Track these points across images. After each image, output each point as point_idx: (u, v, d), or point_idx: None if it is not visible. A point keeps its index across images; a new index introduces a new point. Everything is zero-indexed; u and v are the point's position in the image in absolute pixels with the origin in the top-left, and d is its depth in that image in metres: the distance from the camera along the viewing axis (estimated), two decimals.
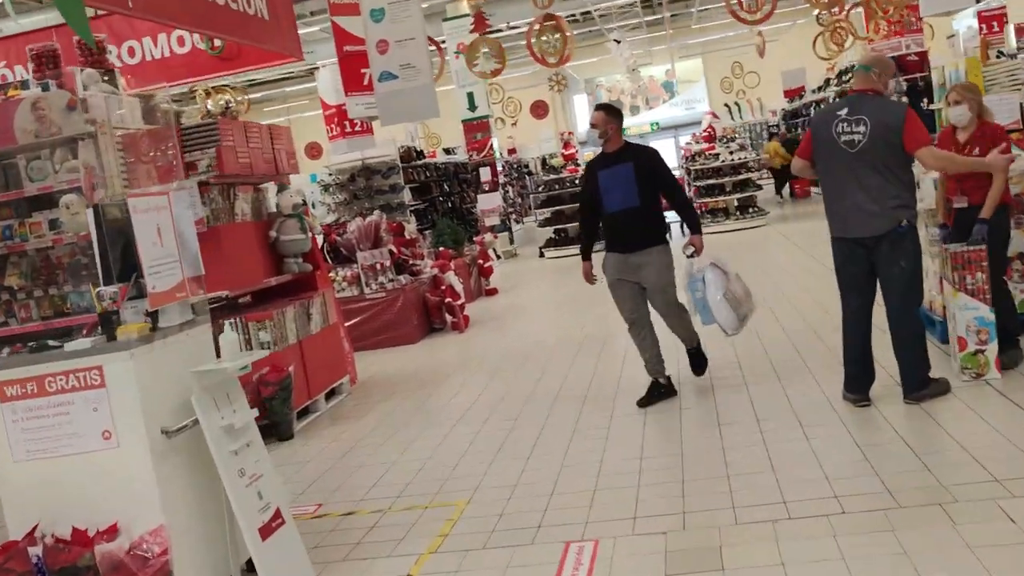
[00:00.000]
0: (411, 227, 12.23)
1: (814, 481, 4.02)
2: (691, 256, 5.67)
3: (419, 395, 7.09)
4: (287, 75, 26.53)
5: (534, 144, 30.01)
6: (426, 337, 9.58)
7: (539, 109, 26.45)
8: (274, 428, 6.15)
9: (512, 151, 29.57)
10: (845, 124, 4.71)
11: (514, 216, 27.30)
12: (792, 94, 25.15)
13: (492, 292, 12.28)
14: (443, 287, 9.70)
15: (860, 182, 4.67)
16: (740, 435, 4.79)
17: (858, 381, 4.95)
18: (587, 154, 20.01)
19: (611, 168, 5.59)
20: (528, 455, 5.13)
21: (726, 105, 29.68)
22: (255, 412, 3.72)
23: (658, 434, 5.08)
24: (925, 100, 14.54)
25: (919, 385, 4.76)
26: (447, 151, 21.60)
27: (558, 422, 5.66)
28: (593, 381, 6.61)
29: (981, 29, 18.36)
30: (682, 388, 5.89)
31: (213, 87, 16.01)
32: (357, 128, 15.94)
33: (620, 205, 5.52)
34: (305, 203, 7.18)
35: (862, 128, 4.62)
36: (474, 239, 12.63)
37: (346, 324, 9.04)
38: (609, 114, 5.59)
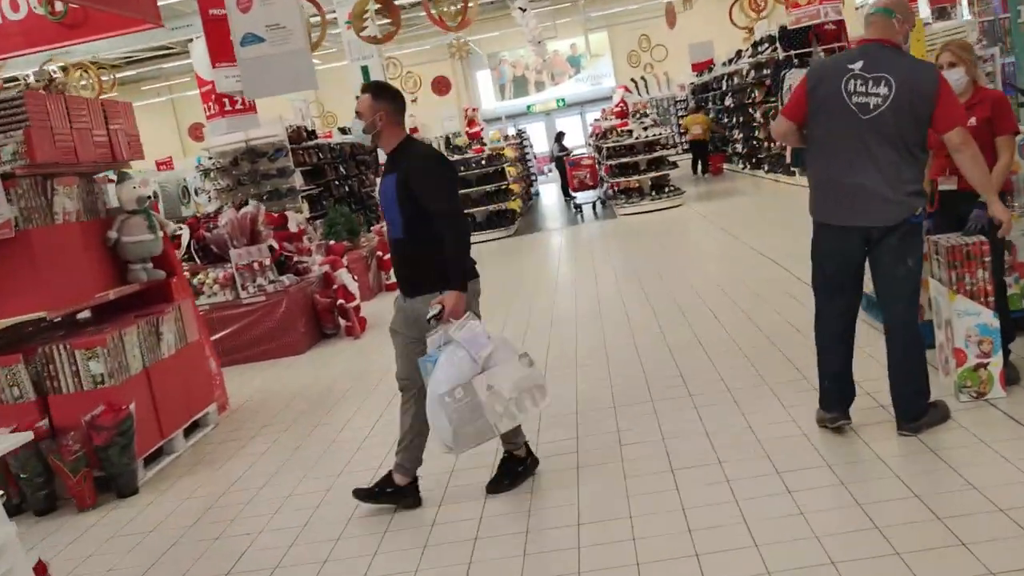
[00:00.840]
0: (300, 216, 10.89)
1: (802, 542, 3.06)
2: (433, 320, 3.75)
3: (304, 423, 5.89)
4: (165, 50, 24.48)
5: (437, 123, 28.73)
6: (316, 345, 8.34)
7: (441, 85, 25.16)
8: (112, 482, 4.87)
9: (414, 130, 28.17)
10: (859, 81, 3.73)
11: None
12: (700, 67, 24.56)
13: (393, 287, 11.03)
14: (334, 287, 8.47)
15: (872, 158, 3.70)
16: (701, 486, 3.78)
17: (837, 397, 4.02)
18: (494, 132, 18.91)
19: (383, 180, 4.13)
20: (439, 500, 4.05)
21: (632, 80, 28.96)
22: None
23: (595, 493, 3.97)
24: None
25: (918, 413, 3.84)
26: (343, 131, 20.13)
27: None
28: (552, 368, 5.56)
29: None
30: (620, 411, 4.87)
31: (73, 64, 14.21)
32: (238, 106, 14.40)
33: (390, 234, 4.09)
34: (154, 197, 5.83)
35: (883, 90, 3.65)
36: (371, 228, 11.36)
37: (220, 334, 7.78)
38: (377, 97, 3.97)
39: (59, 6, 8.48)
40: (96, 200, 5.64)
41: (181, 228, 8.10)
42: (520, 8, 16.04)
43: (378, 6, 7.57)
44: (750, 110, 17.02)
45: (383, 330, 8.94)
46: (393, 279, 11.45)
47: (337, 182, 17.28)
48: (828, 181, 3.86)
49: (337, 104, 26.86)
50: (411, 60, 26.98)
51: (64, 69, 13.80)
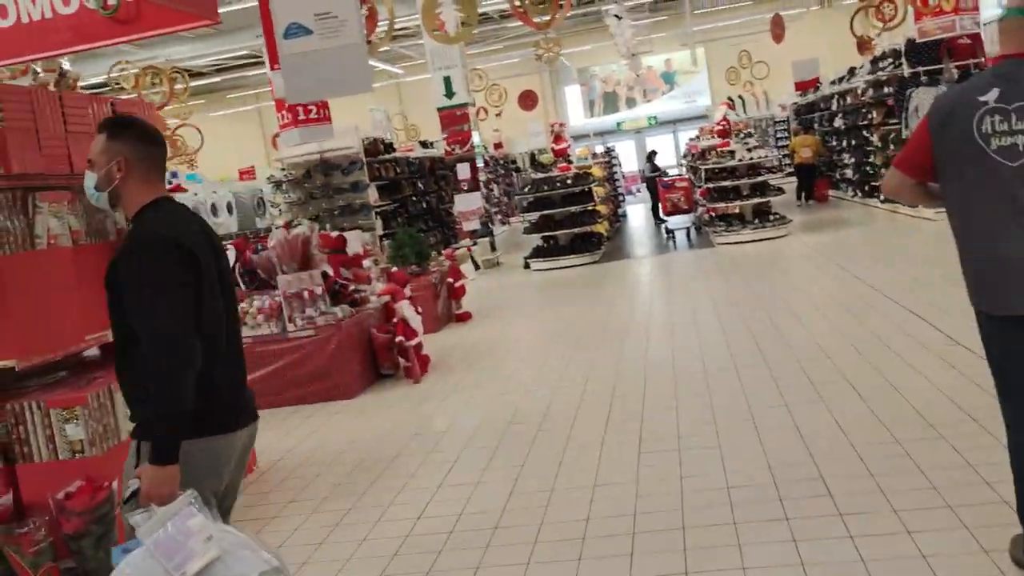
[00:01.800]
0: (366, 236, 9.95)
1: None
2: (129, 500, 2.43)
3: (347, 494, 4.83)
4: (253, 58, 24.14)
5: (523, 139, 27.76)
6: (370, 388, 7.29)
7: (527, 100, 24.17)
8: None
9: (498, 145, 27.30)
10: (997, 118, 2.70)
11: (500, 217, 25.07)
12: (805, 86, 22.93)
13: (465, 317, 9.99)
14: (394, 320, 7.42)
15: None
16: None
17: None
18: (581, 149, 17.76)
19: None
20: None
21: (729, 98, 27.44)
22: None
23: None
24: None
25: None
26: (424, 144, 19.28)
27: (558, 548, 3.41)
28: (603, 470, 4.37)
29: None
30: (742, 531, 3.62)
31: (144, 68, 13.64)
32: (312, 115, 13.64)
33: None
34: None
35: None
36: (442, 252, 10.33)
37: (261, 372, 6.80)
38: (115, 137, 2.67)
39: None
40: (105, 219, 4.69)
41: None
42: (616, 16, 14.89)
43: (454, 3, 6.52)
44: (864, 133, 15.43)
45: (448, 371, 7.90)
46: (465, 309, 10.45)
47: (415, 198, 16.39)
48: (986, 257, 2.83)
49: (420, 116, 26.14)
50: (497, 73, 26.09)
51: (137, 77, 13.22)
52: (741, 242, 13.34)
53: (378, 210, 14.19)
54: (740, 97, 28.14)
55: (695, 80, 28.79)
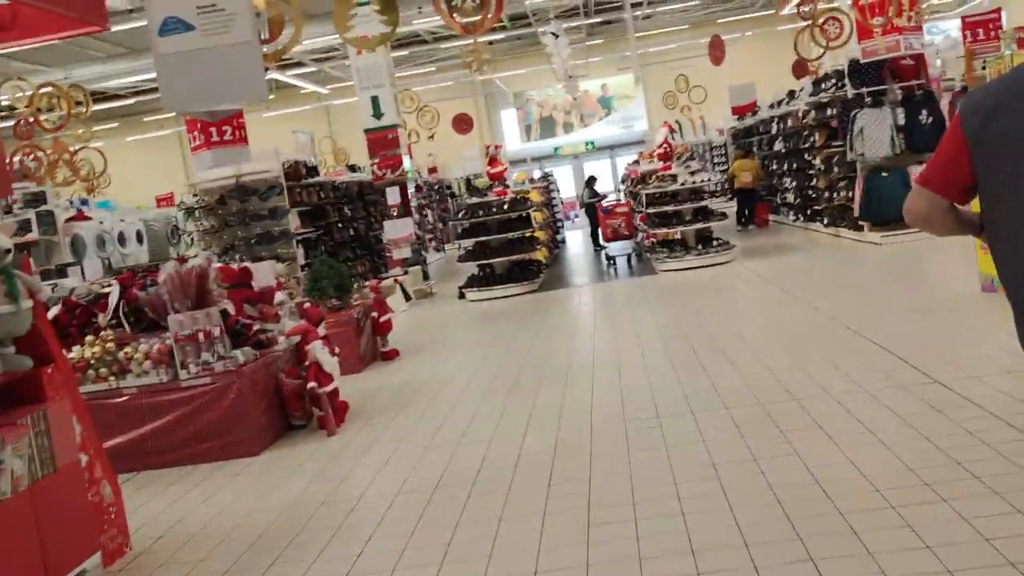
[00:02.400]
0: (280, 267, 9.04)
1: None
2: None
3: None
4: None
5: (457, 163, 27.05)
6: (277, 443, 6.36)
7: (462, 123, 23.49)
8: None
9: (432, 170, 26.52)
10: None
11: (434, 244, 24.25)
12: (741, 111, 22.77)
13: (391, 355, 9.13)
14: (306, 364, 6.53)
15: None
16: None
17: None
18: (519, 174, 17.10)
19: None
20: None
21: (676, 121, 27.18)
22: None
23: None
24: (924, 112, 12.06)
25: None
26: (352, 168, 18.40)
27: None
28: (545, 554, 3.58)
29: (965, 36, 16.15)
30: None
31: (39, 86, 12.50)
32: (227, 136, 12.73)
33: None
34: (14, 250, 3.95)
35: None
36: (366, 284, 9.46)
37: (148, 427, 5.87)
38: None
39: None
40: None
41: (108, 285, 6.23)
42: (553, 34, 14.31)
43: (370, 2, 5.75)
44: (806, 156, 15.08)
45: (368, 419, 6.98)
46: (392, 345, 9.58)
47: (341, 224, 15.47)
48: None
49: (350, 141, 25.25)
50: (431, 96, 25.39)
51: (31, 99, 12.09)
52: (685, 269, 12.76)
53: (300, 238, 13.26)
54: (677, 122, 27.89)
55: (632, 105, 28.51)
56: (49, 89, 11.86)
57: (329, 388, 6.44)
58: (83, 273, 12.79)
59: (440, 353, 9.15)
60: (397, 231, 14.58)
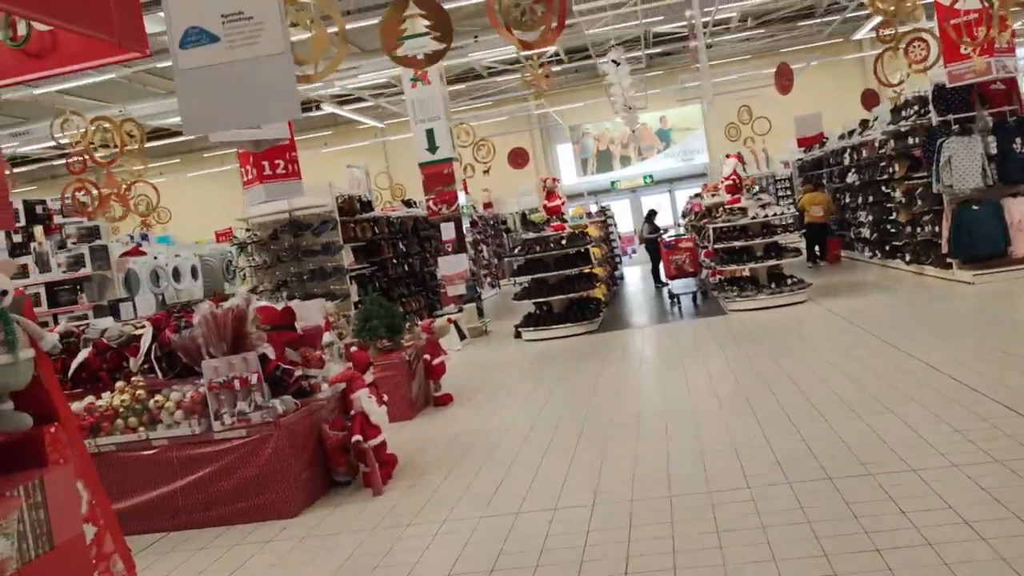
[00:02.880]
0: (330, 305, 8.54)
1: None
2: None
3: None
4: None
5: (513, 198, 26.62)
6: (319, 502, 5.79)
7: (518, 158, 23.06)
8: None
9: (488, 205, 26.14)
10: None
11: (489, 280, 23.76)
12: (808, 142, 21.93)
13: (445, 400, 8.54)
14: (352, 414, 5.97)
15: None
16: None
17: None
18: (576, 208, 16.52)
19: None
20: None
21: (739, 153, 26.40)
22: None
23: None
24: (1018, 140, 11.17)
25: None
26: (407, 203, 18.02)
27: None
28: None
29: None
30: None
31: (94, 119, 12.32)
32: (279, 170, 12.38)
33: None
34: (12, 292, 3.45)
35: None
36: (417, 323, 8.90)
37: (177, 484, 5.35)
38: None
39: (21, 28, 6.47)
40: None
41: (81, 335, 5.76)
42: (614, 62, 13.76)
43: (421, 15, 5.25)
44: (884, 188, 14.22)
45: (419, 475, 6.31)
46: (445, 390, 9.00)
47: (395, 260, 15.03)
48: None
49: (407, 176, 25.00)
50: (486, 131, 25.05)
51: (88, 133, 11.91)
52: (757, 308, 11.97)
53: (353, 274, 12.83)
54: (739, 154, 27.10)
55: (692, 138, 27.80)
56: (102, 124, 11.65)
57: (376, 441, 5.85)
58: (135, 309, 12.51)
59: (496, 399, 8.52)
60: (451, 267, 14.07)
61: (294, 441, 5.62)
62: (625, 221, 27.84)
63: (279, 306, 7.78)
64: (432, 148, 13.94)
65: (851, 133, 16.84)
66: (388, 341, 8.24)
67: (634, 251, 28.25)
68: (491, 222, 25.91)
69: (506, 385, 9.26)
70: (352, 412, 5.98)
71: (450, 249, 14.09)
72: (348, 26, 17.10)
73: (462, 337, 13.21)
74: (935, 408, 5.73)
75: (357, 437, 5.76)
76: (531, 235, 12.87)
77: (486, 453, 6.44)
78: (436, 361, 8.53)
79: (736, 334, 10.26)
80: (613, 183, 28.26)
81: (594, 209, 23.47)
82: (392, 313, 8.17)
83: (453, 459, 6.40)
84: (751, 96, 23.41)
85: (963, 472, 4.47)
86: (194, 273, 16.44)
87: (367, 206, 14.22)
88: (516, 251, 12.91)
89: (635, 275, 22.99)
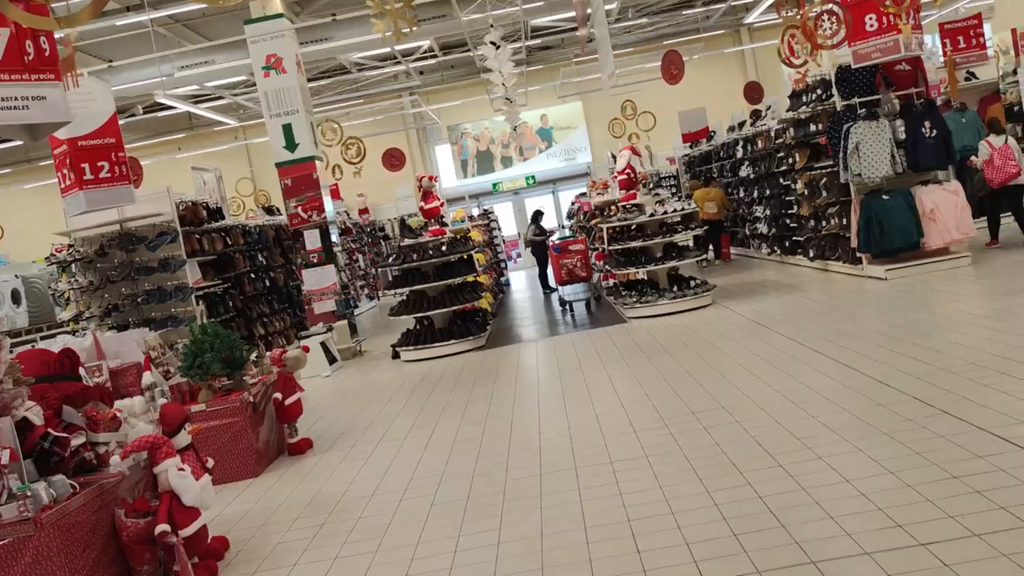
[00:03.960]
0: (151, 337, 6.82)
1: None
2: None
3: None
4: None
5: (391, 203, 25.00)
6: None
7: (392, 159, 21.45)
8: None
9: (364, 211, 24.45)
10: None
11: (367, 292, 22.11)
12: (693, 137, 21.23)
13: (303, 448, 6.97)
14: (160, 492, 4.36)
15: None
16: None
17: None
18: (457, 211, 15.14)
19: None
20: None
21: (611, 154, 25.57)
22: None
23: None
24: (926, 125, 10.46)
25: None
26: (269, 210, 16.19)
27: None
28: None
29: (944, 45, 14.80)
30: None
31: None
32: (103, 173, 10.47)
33: None
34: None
35: None
36: (266, 354, 7.28)
37: None
38: None
39: None
40: None
41: None
42: (492, 43, 12.42)
43: None
44: (782, 180, 13.44)
45: (258, 565, 3.85)
46: (303, 433, 7.40)
47: (253, 275, 13.26)
48: None
49: (271, 180, 23.04)
50: (358, 131, 23.39)
51: None
52: (660, 315, 10.87)
53: (200, 293, 11.02)
54: (612, 155, 26.29)
55: (574, 136, 26.83)
56: None
57: (191, 529, 4.28)
58: None
59: (367, 441, 7.01)
60: (318, 281, 12.43)
61: (69, 540, 3.98)
62: (509, 224, 26.66)
63: (85, 342, 6.07)
64: (290, 146, 12.26)
65: (742, 125, 16.11)
66: (227, 379, 6.61)
67: (519, 255, 27.11)
68: (367, 229, 24.23)
69: (379, 422, 7.75)
70: (160, 490, 4.38)
71: (316, 260, 12.44)
72: (187, 7, 14.99)
73: (332, 361, 11.60)
74: (902, 433, 4.59)
75: (162, 527, 4.16)
76: (408, 242, 11.37)
77: (349, 526, 4.93)
78: (290, 400, 6.94)
79: (642, 346, 9.07)
80: (495, 185, 27.00)
81: (476, 212, 22.14)
82: (231, 343, 6.53)
83: (305, 538, 4.87)
84: (633, 91, 22.60)
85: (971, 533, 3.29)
86: (15, 298, 14.21)
87: (216, 214, 12.40)
88: (391, 260, 11.37)
89: (521, 281, 21.81)
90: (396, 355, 11.31)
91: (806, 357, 7.10)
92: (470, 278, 11.52)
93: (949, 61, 13.56)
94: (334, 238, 17.66)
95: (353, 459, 6.48)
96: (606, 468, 5.11)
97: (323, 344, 11.59)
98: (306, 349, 7.25)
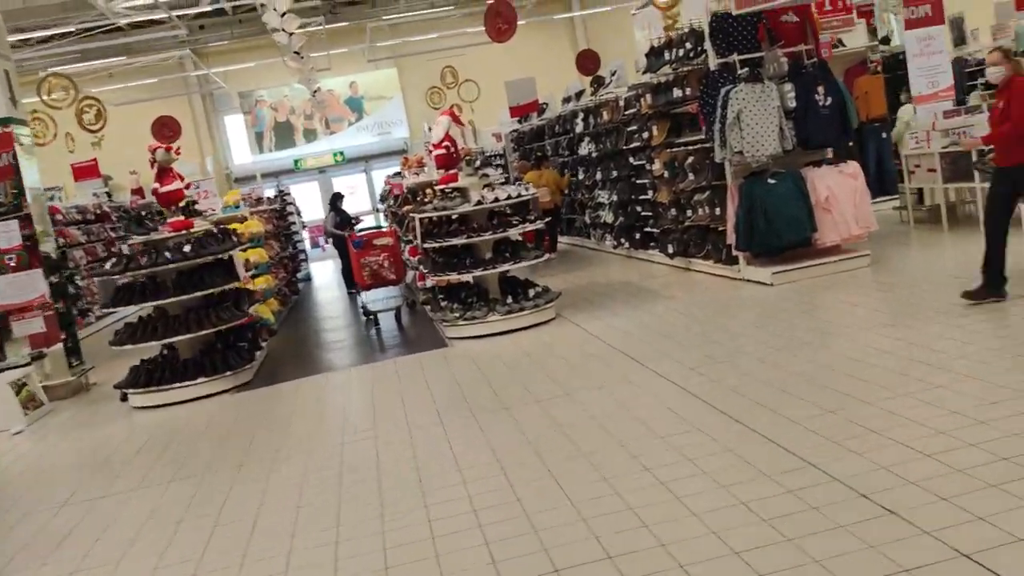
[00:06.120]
0: None
1: None
2: None
3: None
4: None
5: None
6: None
7: (164, 128, 17.60)
8: None
9: (138, 191, 20.28)
10: None
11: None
12: (521, 111, 18.72)
13: None
14: None
15: None
16: None
17: None
18: (230, 194, 11.89)
19: None
20: None
21: (428, 126, 22.73)
22: None
23: None
24: (820, 91, 8.34)
25: None
26: None
27: None
28: None
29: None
30: None
31: None
32: None
33: None
34: None
35: None
36: None
37: None
38: None
39: None
40: None
41: None
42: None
43: None
44: (633, 159, 11.13)
45: None
46: None
47: None
48: None
49: None
50: (129, 95, 19.31)
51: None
52: (489, 334, 8.22)
53: None
54: (429, 127, 23.51)
55: (388, 107, 23.75)
56: None
57: None
58: None
59: (72, 558, 3.90)
60: (20, 292, 8.91)
61: None
62: (314, 208, 23.26)
63: None
64: None
65: (580, 95, 13.74)
66: None
67: (327, 241, 23.84)
68: (145, 215, 20.15)
69: (80, 534, 4.61)
70: None
71: (14, 264, 8.90)
72: None
73: (34, 406, 8.19)
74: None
75: None
76: (137, 239, 8.11)
77: None
78: None
79: (469, 390, 6.36)
80: (297, 162, 23.51)
81: (271, 194, 18.72)
82: None
83: None
84: (457, 55, 19.86)
85: None
86: None
87: None
88: (112, 266, 8.01)
89: (328, 274, 18.70)
90: (124, 397, 8.07)
91: (711, 396, 4.62)
92: (232, 287, 8.39)
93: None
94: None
95: None
96: None
97: (18, 383, 8.16)
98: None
